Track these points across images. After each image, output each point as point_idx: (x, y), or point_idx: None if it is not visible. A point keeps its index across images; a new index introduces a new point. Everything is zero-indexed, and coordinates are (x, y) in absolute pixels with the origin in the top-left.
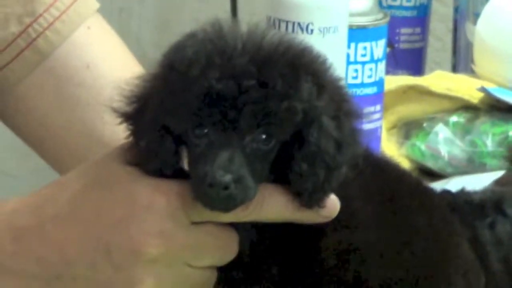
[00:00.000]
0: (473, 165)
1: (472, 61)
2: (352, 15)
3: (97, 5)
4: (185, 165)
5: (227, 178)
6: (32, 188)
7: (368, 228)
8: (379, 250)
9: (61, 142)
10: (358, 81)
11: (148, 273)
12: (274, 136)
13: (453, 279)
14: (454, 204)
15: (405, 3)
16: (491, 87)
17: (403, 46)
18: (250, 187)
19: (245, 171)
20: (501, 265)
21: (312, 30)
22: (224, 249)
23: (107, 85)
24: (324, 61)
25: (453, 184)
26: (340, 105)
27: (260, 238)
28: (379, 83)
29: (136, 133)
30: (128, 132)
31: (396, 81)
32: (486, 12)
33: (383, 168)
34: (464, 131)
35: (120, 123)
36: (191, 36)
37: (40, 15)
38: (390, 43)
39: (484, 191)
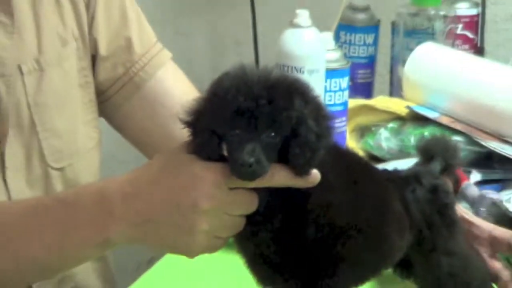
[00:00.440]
0: (402, 154)
1: (401, 89)
2: (328, 62)
3: (170, 54)
4: (225, 153)
5: (251, 160)
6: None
7: (338, 191)
8: (345, 204)
9: (152, 140)
10: (332, 102)
11: (202, 219)
12: (279, 133)
13: (390, 223)
14: (390, 177)
15: (360, 54)
16: (413, 105)
17: (359, 81)
18: (265, 165)
19: (262, 156)
20: (419, 214)
21: (303, 71)
22: (249, 204)
23: (178, 103)
24: (308, 86)
25: (390, 165)
26: (319, 112)
27: (271, 197)
28: (345, 104)
29: (194, 134)
30: (189, 134)
31: (355, 102)
32: (410, 60)
33: (346, 154)
34: (396, 133)
35: (184, 128)
36: (227, 73)
37: (136, 61)
38: (351, 79)
39: (409, 169)
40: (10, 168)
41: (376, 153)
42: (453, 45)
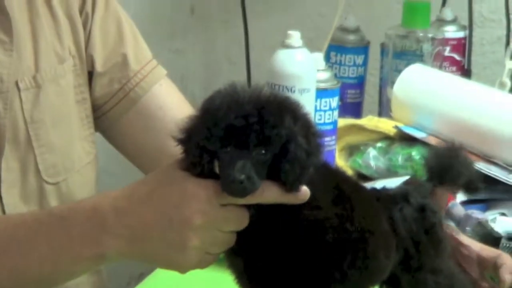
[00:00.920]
0: (390, 173)
1: (390, 109)
2: (318, 81)
3: (165, 71)
4: (217, 170)
5: (242, 177)
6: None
7: (326, 209)
8: (333, 222)
9: (147, 154)
10: (322, 121)
11: (194, 235)
12: (269, 150)
13: (377, 241)
14: (379, 196)
15: (350, 75)
16: (401, 125)
17: (348, 101)
18: (256, 182)
19: (252, 172)
20: (406, 233)
21: (294, 91)
22: (239, 220)
23: (173, 118)
24: (298, 104)
25: (378, 184)
26: (309, 129)
27: (261, 214)
28: (334, 123)
29: (186, 151)
30: (181, 151)
31: (344, 122)
32: (399, 81)
33: (335, 172)
34: (385, 152)
35: (177, 145)
36: (218, 92)
37: (132, 77)
38: (341, 99)
39: (396, 188)
40: (5, 183)
41: (364, 171)
42: (441, 67)
